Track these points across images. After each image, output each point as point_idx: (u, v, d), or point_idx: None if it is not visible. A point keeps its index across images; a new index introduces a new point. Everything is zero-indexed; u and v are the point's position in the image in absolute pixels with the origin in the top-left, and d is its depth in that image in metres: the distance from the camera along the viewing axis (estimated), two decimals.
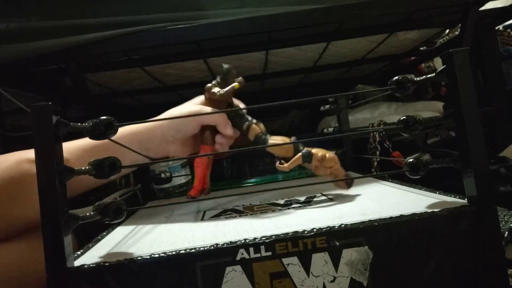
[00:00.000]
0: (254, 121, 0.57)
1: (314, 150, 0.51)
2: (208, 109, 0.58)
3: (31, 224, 0.47)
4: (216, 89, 0.57)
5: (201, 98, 0.61)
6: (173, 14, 0.71)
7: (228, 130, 0.56)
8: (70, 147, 0.52)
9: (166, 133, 0.57)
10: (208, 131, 0.58)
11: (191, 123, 0.57)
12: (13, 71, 0.77)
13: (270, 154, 0.56)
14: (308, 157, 0.50)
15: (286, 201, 0.55)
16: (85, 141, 0.55)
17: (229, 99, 0.58)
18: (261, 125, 0.57)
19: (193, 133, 0.58)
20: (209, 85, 0.58)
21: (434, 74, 0.38)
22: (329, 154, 0.52)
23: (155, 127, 0.57)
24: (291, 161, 0.50)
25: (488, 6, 0.85)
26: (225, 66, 0.58)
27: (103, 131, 0.36)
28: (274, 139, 0.54)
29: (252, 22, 0.71)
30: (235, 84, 0.56)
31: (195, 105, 0.59)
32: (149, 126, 0.57)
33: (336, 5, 0.71)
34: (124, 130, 0.56)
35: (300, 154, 0.50)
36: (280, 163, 0.50)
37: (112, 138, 0.37)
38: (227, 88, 0.56)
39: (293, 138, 0.53)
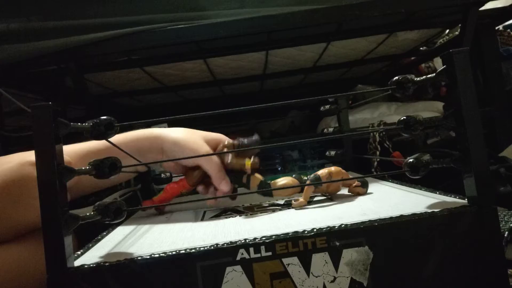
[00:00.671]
0: (252, 158, 0.54)
1: (319, 172, 0.50)
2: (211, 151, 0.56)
3: (32, 227, 0.47)
4: (228, 156, 0.54)
5: (214, 136, 0.59)
6: (173, 14, 0.71)
7: (222, 186, 0.54)
8: (69, 151, 0.52)
9: (166, 149, 0.56)
10: (198, 172, 0.56)
11: (191, 161, 0.56)
12: (13, 71, 0.77)
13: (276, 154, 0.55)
14: (317, 180, 0.49)
15: (286, 201, 0.55)
16: (84, 145, 0.55)
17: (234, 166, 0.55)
18: (256, 159, 0.54)
19: (188, 164, 0.57)
20: (228, 143, 0.56)
21: (434, 74, 0.38)
22: (335, 169, 0.51)
23: (157, 139, 0.56)
24: (304, 195, 0.49)
25: (488, 6, 0.85)
26: (255, 137, 0.56)
27: (103, 131, 0.36)
28: (278, 181, 0.53)
29: (252, 23, 0.71)
30: (247, 161, 0.53)
31: (204, 141, 0.57)
32: (151, 136, 0.57)
33: (336, 5, 0.71)
34: (125, 136, 0.56)
35: (308, 182, 0.49)
36: (295, 201, 0.49)
37: (114, 142, 0.37)
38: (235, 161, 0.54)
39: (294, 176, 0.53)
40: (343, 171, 0.52)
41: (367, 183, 0.52)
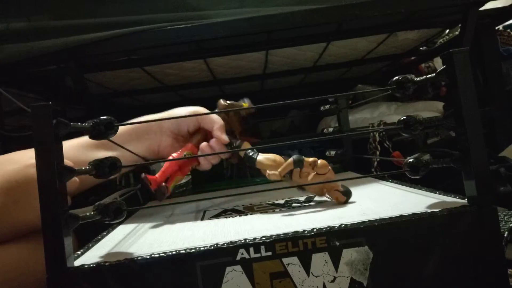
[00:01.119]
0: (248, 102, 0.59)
1: (306, 158, 0.49)
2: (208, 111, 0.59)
3: (33, 228, 0.47)
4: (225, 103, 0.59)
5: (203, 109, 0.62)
6: (173, 14, 0.71)
7: (223, 135, 0.58)
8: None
9: (165, 124, 0.59)
10: (200, 135, 0.60)
11: (191, 120, 0.59)
12: (13, 71, 0.77)
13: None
14: (300, 162, 0.48)
15: (286, 201, 0.55)
16: (80, 139, 0.56)
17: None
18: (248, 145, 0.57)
19: (189, 131, 0.60)
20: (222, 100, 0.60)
21: (434, 74, 0.38)
22: (321, 160, 0.49)
23: (153, 117, 0.59)
24: (282, 167, 0.48)
25: (488, 6, 0.85)
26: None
27: (103, 131, 0.36)
28: (265, 156, 0.53)
29: (252, 22, 0.71)
30: (244, 104, 0.58)
31: (198, 107, 0.61)
32: (147, 117, 0.59)
33: (336, 5, 0.71)
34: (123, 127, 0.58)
35: (291, 159, 0.48)
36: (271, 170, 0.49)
37: None
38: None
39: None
40: (330, 169, 0.49)
41: (349, 192, 0.48)
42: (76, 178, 0.51)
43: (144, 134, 0.59)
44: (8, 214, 0.46)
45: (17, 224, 0.46)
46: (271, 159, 0.52)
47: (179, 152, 0.59)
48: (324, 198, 0.53)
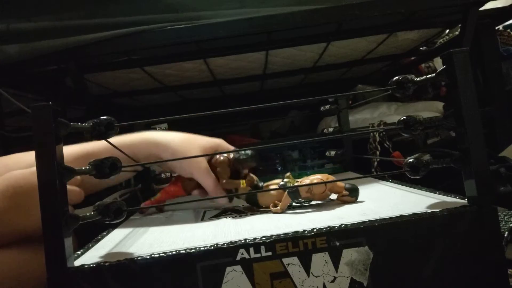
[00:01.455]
0: (247, 177, 0.56)
1: (301, 180, 0.48)
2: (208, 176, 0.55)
3: (34, 234, 0.47)
4: (224, 178, 0.55)
5: (213, 144, 0.59)
6: (173, 14, 0.71)
7: (219, 201, 0.56)
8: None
9: (165, 158, 0.55)
10: (195, 182, 0.57)
11: (186, 169, 0.56)
12: (14, 71, 0.77)
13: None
14: (295, 193, 0.47)
15: None
16: (79, 147, 0.54)
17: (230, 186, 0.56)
18: (252, 177, 0.55)
19: (185, 176, 0.58)
20: (223, 159, 0.56)
21: (434, 74, 0.38)
22: (315, 179, 0.47)
23: (156, 147, 0.55)
24: (281, 204, 0.48)
25: (488, 6, 0.85)
26: (249, 152, 0.55)
27: (104, 131, 0.36)
28: (263, 195, 0.52)
29: (252, 23, 0.71)
30: (242, 182, 0.54)
31: (203, 149, 0.56)
32: (150, 144, 0.56)
33: (336, 5, 0.71)
34: (123, 140, 0.55)
35: (285, 193, 0.48)
36: (274, 206, 0.49)
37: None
38: (232, 183, 0.55)
39: (285, 180, 0.50)
40: (325, 178, 0.47)
41: (356, 190, 0.48)
42: (81, 192, 0.50)
43: (143, 160, 0.55)
44: (11, 219, 0.45)
45: (20, 228, 0.46)
46: (270, 196, 0.50)
47: (173, 189, 0.59)
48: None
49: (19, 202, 0.45)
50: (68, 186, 0.46)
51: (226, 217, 0.49)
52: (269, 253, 0.33)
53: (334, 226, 0.35)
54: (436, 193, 0.46)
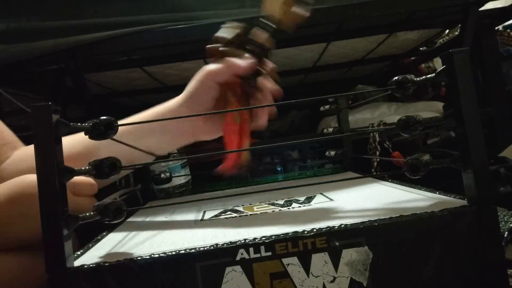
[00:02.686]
0: None
1: None
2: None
3: (36, 239, 0.47)
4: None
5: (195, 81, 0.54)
6: (173, 14, 0.71)
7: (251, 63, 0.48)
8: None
9: (184, 110, 0.50)
10: (231, 93, 0.49)
11: (206, 83, 0.49)
12: (13, 71, 0.77)
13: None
14: None
15: (285, 201, 0.55)
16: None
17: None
18: None
19: (214, 97, 0.50)
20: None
21: (434, 74, 0.38)
22: None
23: (174, 109, 0.52)
24: None
25: (488, 6, 0.85)
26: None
27: (104, 131, 0.36)
28: None
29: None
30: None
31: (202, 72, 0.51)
32: (172, 108, 0.53)
33: (336, 5, 0.71)
34: (146, 113, 0.55)
35: None
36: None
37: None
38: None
39: None
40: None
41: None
42: (94, 183, 0.49)
43: (168, 124, 0.51)
44: (13, 225, 0.45)
45: (22, 235, 0.46)
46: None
47: (230, 124, 0.49)
48: (324, 199, 0.53)
49: (23, 209, 0.44)
50: (81, 177, 0.45)
51: (226, 217, 0.49)
52: (269, 253, 0.33)
53: (334, 226, 0.35)
54: (435, 193, 0.46)
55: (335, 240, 0.34)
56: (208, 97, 0.51)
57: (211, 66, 0.50)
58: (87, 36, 0.70)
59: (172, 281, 0.33)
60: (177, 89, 1.05)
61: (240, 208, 0.54)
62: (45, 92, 0.92)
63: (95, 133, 0.36)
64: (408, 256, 0.34)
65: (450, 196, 0.42)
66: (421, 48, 1.08)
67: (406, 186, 0.54)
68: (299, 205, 0.51)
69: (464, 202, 0.38)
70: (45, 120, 0.32)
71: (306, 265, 0.33)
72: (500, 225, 0.50)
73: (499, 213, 0.37)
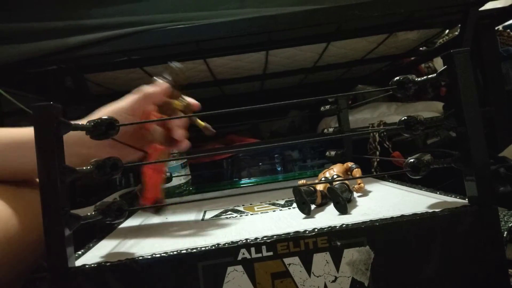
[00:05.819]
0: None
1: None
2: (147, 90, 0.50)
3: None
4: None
5: (132, 99, 0.52)
6: (173, 14, 0.71)
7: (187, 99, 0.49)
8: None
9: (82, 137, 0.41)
10: (156, 126, 0.49)
11: (125, 116, 0.47)
12: (13, 71, 0.77)
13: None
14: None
15: (286, 201, 0.55)
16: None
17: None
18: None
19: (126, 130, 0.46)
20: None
21: (435, 74, 0.38)
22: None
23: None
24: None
25: (488, 6, 0.85)
26: (173, 65, 0.53)
27: (104, 131, 0.36)
28: None
29: (252, 23, 0.71)
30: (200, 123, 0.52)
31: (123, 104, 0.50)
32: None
33: (335, 5, 0.71)
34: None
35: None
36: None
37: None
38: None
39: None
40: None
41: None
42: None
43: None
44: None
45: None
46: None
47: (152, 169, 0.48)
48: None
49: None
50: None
51: (227, 217, 0.49)
52: (270, 253, 0.33)
53: (335, 226, 0.35)
54: (436, 193, 0.46)
55: (337, 240, 0.34)
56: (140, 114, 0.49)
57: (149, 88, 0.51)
58: (87, 36, 0.70)
59: (174, 281, 0.33)
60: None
61: (241, 208, 0.54)
62: (45, 92, 0.92)
63: (97, 133, 0.36)
64: (409, 256, 0.34)
65: (450, 196, 0.43)
66: (421, 48, 1.08)
67: (406, 186, 0.55)
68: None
69: (464, 202, 0.38)
70: (46, 120, 0.32)
71: (307, 265, 0.33)
72: (500, 225, 0.50)
73: (499, 213, 0.37)
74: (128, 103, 0.50)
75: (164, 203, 0.52)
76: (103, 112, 0.51)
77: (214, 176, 1.02)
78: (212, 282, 0.33)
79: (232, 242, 0.34)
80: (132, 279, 0.33)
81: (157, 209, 0.52)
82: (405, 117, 0.38)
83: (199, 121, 0.53)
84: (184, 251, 0.33)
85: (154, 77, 0.53)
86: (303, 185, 0.50)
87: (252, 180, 1.01)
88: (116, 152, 0.40)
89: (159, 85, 0.51)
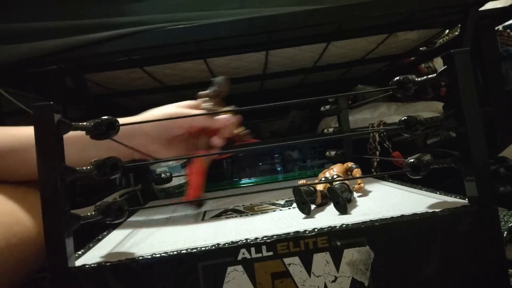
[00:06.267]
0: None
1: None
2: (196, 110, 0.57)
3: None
4: (205, 104, 0.59)
5: (187, 102, 0.59)
6: (173, 14, 0.71)
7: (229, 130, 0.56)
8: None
9: (149, 131, 0.52)
10: (205, 137, 0.56)
11: (177, 125, 0.53)
12: (13, 71, 0.77)
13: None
14: None
15: (286, 201, 0.55)
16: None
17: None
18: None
19: (178, 135, 0.54)
20: (202, 93, 0.58)
21: (435, 74, 0.38)
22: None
23: (138, 125, 0.51)
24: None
25: (488, 6, 0.85)
26: (218, 78, 0.58)
27: (105, 131, 0.36)
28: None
29: (252, 23, 0.71)
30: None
31: (179, 107, 0.56)
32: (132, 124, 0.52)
33: (336, 5, 0.71)
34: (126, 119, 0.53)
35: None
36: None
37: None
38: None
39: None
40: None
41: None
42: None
43: (128, 139, 0.49)
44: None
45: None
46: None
47: (196, 166, 0.55)
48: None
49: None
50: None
51: (227, 217, 0.49)
52: (270, 253, 0.33)
53: (335, 226, 0.35)
54: (436, 193, 0.46)
55: (337, 240, 0.34)
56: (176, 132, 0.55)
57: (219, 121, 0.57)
58: (87, 36, 0.70)
59: (174, 281, 0.33)
60: (177, 89, 1.06)
61: (241, 208, 0.54)
62: (45, 92, 0.92)
63: (97, 133, 0.36)
64: (409, 256, 0.34)
65: (450, 196, 0.43)
66: (421, 48, 1.08)
67: (406, 186, 0.55)
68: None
69: (464, 202, 0.38)
70: (46, 120, 0.32)
71: (307, 265, 0.33)
72: (500, 225, 0.50)
73: (499, 213, 0.37)
74: (198, 122, 0.56)
75: (204, 198, 0.57)
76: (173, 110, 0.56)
77: (214, 176, 1.02)
78: (212, 282, 0.33)
79: (232, 242, 0.34)
80: (132, 279, 0.33)
81: (199, 204, 0.56)
82: (405, 117, 0.38)
83: (240, 129, 0.59)
84: (184, 251, 0.33)
85: (199, 93, 0.60)
86: (303, 185, 0.50)
87: (252, 180, 1.01)
88: (169, 151, 0.54)
89: (226, 124, 0.57)
